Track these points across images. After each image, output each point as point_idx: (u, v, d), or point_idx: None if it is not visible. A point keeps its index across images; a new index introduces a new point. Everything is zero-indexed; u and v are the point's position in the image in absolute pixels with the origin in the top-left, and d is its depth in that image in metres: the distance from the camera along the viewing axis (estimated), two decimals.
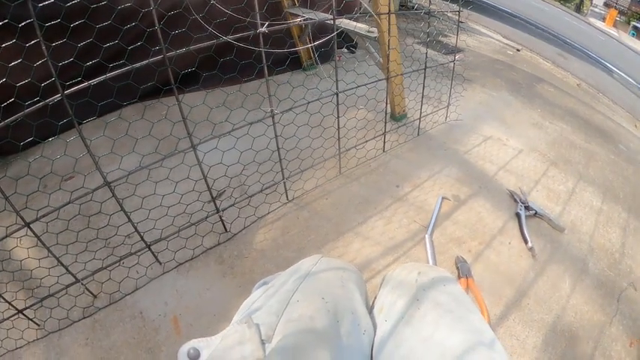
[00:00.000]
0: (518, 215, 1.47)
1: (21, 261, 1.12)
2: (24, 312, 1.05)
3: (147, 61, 0.92)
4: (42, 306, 1.08)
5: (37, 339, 1.08)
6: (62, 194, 1.04)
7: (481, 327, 0.55)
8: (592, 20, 4.84)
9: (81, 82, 0.88)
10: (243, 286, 1.16)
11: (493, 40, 3.49)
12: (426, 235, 1.34)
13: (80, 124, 0.90)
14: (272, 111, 1.10)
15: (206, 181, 1.14)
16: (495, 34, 3.68)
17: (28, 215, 0.93)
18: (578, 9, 5.39)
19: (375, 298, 0.72)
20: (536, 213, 1.49)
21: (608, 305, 1.23)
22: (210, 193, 1.17)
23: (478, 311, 0.59)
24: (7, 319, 1.05)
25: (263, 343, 0.48)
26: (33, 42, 0.81)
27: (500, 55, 3.09)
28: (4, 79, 0.87)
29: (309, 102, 1.19)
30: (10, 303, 1.02)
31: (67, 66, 0.94)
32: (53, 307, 1.09)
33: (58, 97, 0.85)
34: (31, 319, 1.07)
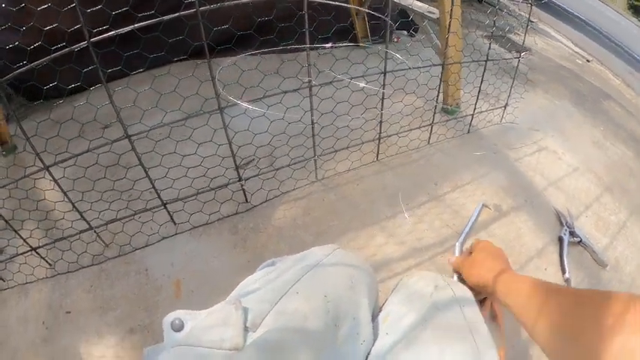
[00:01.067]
0: (560, 240, 1.32)
1: (37, 202, 1.12)
2: (37, 250, 1.06)
3: (177, 14, 0.85)
4: (54, 247, 1.09)
5: (47, 277, 1.09)
6: (83, 142, 1.01)
7: None
8: None
9: (108, 30, 0.82)
10: (252, 262, 1.11)
11: (562, 46, 3.20)
12: (457, 243, 1.22)
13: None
14: (310, 81, 1.01)
15: (230, 146, 1.07)
16: (566, 40, 3.37)
17: (48, 159, 0.92)
18: None
19: (386, 300, 0.65)
20: (580, 241, 1.32)
21: None
22: (234, 160, 1.11)
23: (494, 346, 0.52)
24: (21, 254, 1.07)
25: (247, 330, 0.44)
26: None
27: (568, 63, 2.82)
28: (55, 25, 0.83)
29: (352, 78, 1.08)
30: (25, 240, 1.04)
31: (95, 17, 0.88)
32: (65, 249, 1.09)
33: (84, 44, 0.79)
34: (43, 258, 1.08)
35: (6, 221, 1.00)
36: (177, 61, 1.64)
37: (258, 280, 0.55)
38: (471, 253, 0.80)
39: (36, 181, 1.08)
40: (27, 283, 1.08)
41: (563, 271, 1.22)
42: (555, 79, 2.42)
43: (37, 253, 1.07)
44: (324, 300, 0.52)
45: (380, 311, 0.63)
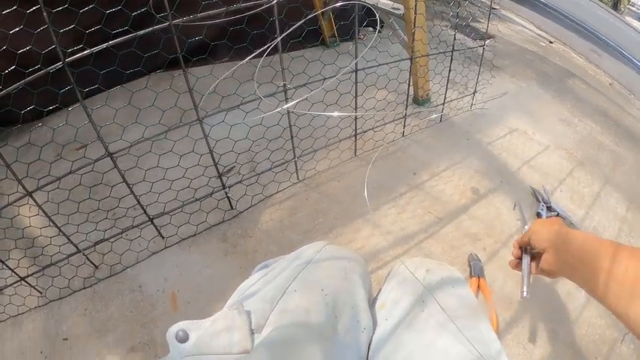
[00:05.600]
0: (539, 215, 1.38)
1: (23, 229, 1.11)
2: (26, 279, 1.05)
3: (152, 28, 0.86)
4: (44, 274, 1.08)
5: (39, 306, 1.08)
6: (64, 164, 1.01)
7: (488, 337, 0.52)
8: (628, 19, 4.55)
9: (83, 49, 0.83)
10: (244, 267, 1.12)
11: (525, 30, 3.30)
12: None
13: (81, 92, 0.85)
14: (285, 85, 1.03)
15: (212, 155, 1.09)
16: (528, 24, 3.48)
17: (30, 185, 0.91)
18: (615, 6, 5.07)
19: (379, 291, 0.68)
20: (557, 214, 1.39)
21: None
22: (217, 168, 1.12)
23: (487, 318, 0.55)
24: (10, 285, 1.05)
25: (252, 332, 0.45)
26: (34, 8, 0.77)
27: (532, 46, 2.92)
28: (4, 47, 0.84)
29: (325, 78, 1.11)
30: (13, 270, 1.02)
31: (69, 36, 0.89)
32: (55, 275, 1.08)
33: (59, 64, 0.80)
34: (33, 287, 1.07)
35: None
36: (152, 73, 1.63)
37: (255, 284, 0.56)
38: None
39: (20, 208, 1.07)
40: (19, 314, 1.06)
41: None
42: (520, 63, 2.51)
43: (26, 282, 1.05)
44: (322, 294, 0.54)
45: (376, 300, 0.65)
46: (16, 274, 1.03)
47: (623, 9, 5.07)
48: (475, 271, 1.15)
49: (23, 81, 0.81)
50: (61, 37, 0.78)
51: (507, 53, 2.52)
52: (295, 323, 0.49)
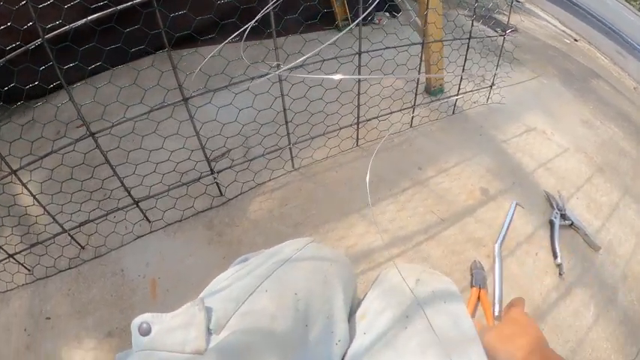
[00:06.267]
0: (551, 223, 1.27)
1: (9, 207, 1.10)
2: (15, 256, 1.05)
3: (131, 2, 0.82)
4: (31, 252, 1.08)
5: (26, 283, 1.08)
6: (46, 143, 0.99)
7: None
8: None
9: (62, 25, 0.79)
10: (227, 258, 1.08)
11: (549, 25, 3.13)
12: (495, 245, 1.18)
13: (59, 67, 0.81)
14: (278, 65, 0.96)
15: (199, 138, 1.03)
16: (552, 19, 3.31)
17: (15, 163, 0.90)
18: None
19: (364, 296, 0.62)
20: (572, 224, 1.28)
21: (629, 345, 1.04)
22: (204, 152, 1.07)
23: (479, 342, 0.48)
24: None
25: (210, 332, 0.43)
26: None
27: (556, 42, 2.76)
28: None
29: (324, 60, 1.03)
30: (1, 247, 1.02)
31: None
32: (42, 254, 1.08)
33: (38, 41, 0.77)
34: (21, 264, 1.07)
35: None
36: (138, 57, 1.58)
37: (228, 278, 0.52)
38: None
39: (4, 187, 1.05)
40: (7, 290, 1.07)
41: (555, 256, 1.19)
42: (543, 58, 2.37)
43: (14, 259, 1.05)
44: (294, 298, 0.49)
45: (359, 306, 0.60)
46: (5, 251, 1.03)
47: None
48: (477, 281, 1.07)
49: (3, 59, 0.79)
50: (40, 14, 0.75)
51: (529, 47, 2.38)
52: (257, 329, 0.45)
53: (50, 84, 0.92)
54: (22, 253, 1.07)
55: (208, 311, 0.44)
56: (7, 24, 0.87)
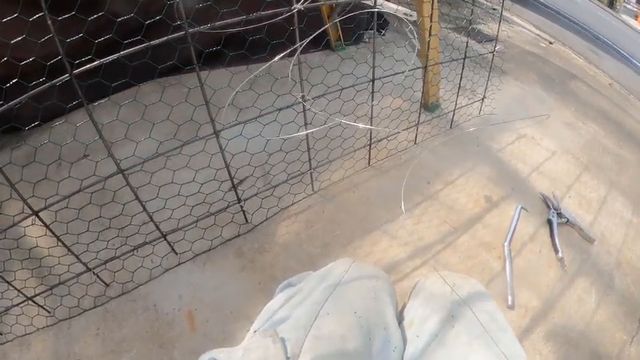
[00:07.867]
0: (550, 222, 1.39)
1: (29, 250, 1.07)
2: (34, 299, 1.02)
3: (166, 37, 0.82)
4: (52, 294, 1.05)
5: (47, 326, 1.05)
6: (72, 182, 0.97)
7: (515, 350, 0.53)
8: (625, 17, 4.61)
9: (92, 60, 0.77)
10: (263, 283, 1.09)
11: (525, 30, 3.31)
12: (505, 243, 1.28)
13: (88, 103, 0.80)
14: (303, 97, 1.01)
15: (228, 169, 1.06)
16: (527, 24, 3.49)
17: (36, 204, 0.87)
18: (611, 4, 5.11)
19: (404, 307, 0.67)
20: (568, 221, 1.41)
21: (629, 323, 1.17)
22: (232, 181, 1.09)
23: (511, 329, 0.57)
24: (16, 305, 1.02)
25: None
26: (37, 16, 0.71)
27: (534, 47, 2.93)
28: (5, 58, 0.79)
29: (342, 88, 1.08)
30: (19, 290, 0.99)
31: (76, 43, 0.82)
32: (64, 295, 1.05)
33: (66, 77, 0.75)
34: (41, 306, 1.04)
35: None
36: (142, 84, 1.53)
37: (283, 306, 0.55)
38: None
39: (25, 229, 1.03)
40: (26, 334, 1.03)
41: (556, 251, 1.30)
42: (523, 65, 2.51)
43: (33, 301, 1.02)
44: (355, 317, 0.53)
45: (403, 317, 0.65)
46: (23, 294, 0.99)
47: (619, 7, 5.12)
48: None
49: (26, 95, 0.76)
50: (67, 46, 0.73)
51: (511, 56, 2.52)
52: (333, 352, 0.48)
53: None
54: (42, 295, 1.04)
55: (282, 341, 0.46)
56: (32, 58, 0.84)
